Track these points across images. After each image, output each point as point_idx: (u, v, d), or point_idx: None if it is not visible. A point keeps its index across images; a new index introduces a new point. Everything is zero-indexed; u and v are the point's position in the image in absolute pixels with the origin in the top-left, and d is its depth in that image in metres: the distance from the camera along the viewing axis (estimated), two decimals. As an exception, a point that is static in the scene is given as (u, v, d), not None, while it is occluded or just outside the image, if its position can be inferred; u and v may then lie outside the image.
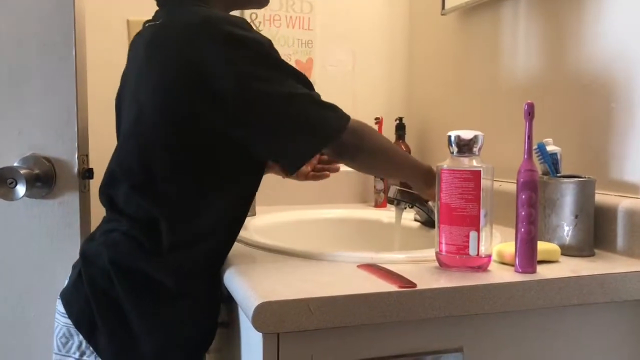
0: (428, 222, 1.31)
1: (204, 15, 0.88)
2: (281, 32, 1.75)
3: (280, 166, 1.08)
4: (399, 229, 1.26)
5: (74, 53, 1.10)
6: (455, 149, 0.89)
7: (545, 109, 1.22)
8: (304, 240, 1.28)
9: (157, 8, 1.00)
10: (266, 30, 1.73)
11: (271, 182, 1.31)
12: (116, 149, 0.97)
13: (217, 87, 0.84)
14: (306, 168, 1.22)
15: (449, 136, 0.90)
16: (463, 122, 1.56)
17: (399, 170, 1.10)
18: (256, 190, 1.00)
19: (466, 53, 1.56)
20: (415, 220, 1.36)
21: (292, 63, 1.74)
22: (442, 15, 1.61)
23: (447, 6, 1.59)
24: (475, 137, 0.88)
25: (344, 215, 1.51)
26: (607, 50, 1.08)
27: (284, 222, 1.42)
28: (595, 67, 1.11)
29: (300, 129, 0.89)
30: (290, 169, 0.92)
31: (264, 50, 0.88)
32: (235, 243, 1.00)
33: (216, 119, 0.86)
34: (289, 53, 1.75)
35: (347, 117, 0.95)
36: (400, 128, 1.75)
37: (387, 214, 1.46)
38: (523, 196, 0.88)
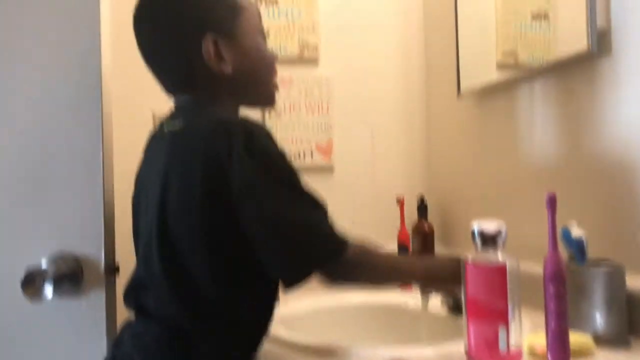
0: (455, 309, 1.29)
1: (223, 120, 0.90)
2: (301, 118, 1.79)
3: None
4: (426, 318, 1.24)
5: (101, 157, 1.14)
6: (479, 242, 0.89)
7: (567, 191, 1.22)
8: (328, 331, 1.26)
9: None
10: (287, 117, 1.77)
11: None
12: (142, 255, 0.98)
13: (232, 187, 0.86)
14: None
15: (472, 230, 0.90)
16: (484, 201, 1.56)
17: (408, 282, 1.10)
18: None
19: (484, 134, 1.58)
20: (442, 306, 1.34)
21: (313, 147, 1.77)
22: (458, 98, 1.64)
23: (462, 89, 1.62)
24: (499, 230, 0.88)
25: (368, 301, 1.49)
26: (625, 136, 1.09)
27: (306, 311, 1.40)
28: (615, 151, 1.11)
29: (299, 251, 0.87)
30: (284, 286, 0.89)
31: (278, 164, 0.89)
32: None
33: (232, 225, 0.87)
34: (309, 137, 1.78)
35: (346, 245, 0.90)
36: (423, 207, 1.75)
37: (413, 298, 1.44)
38: (551, 289, 0.86)
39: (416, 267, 1.03)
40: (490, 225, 0.88)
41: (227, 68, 0.98)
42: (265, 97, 1.08)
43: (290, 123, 1.78)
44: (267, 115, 1.77)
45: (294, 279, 0.87)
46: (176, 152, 0.93)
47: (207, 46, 0.96)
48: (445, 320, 1.29)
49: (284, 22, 1.78)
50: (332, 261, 0.89)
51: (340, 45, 1.85)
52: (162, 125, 1.02)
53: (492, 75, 1.56)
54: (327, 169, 1.80)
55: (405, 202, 1.74)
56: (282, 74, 1.77)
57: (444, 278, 1.02)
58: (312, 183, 1.77)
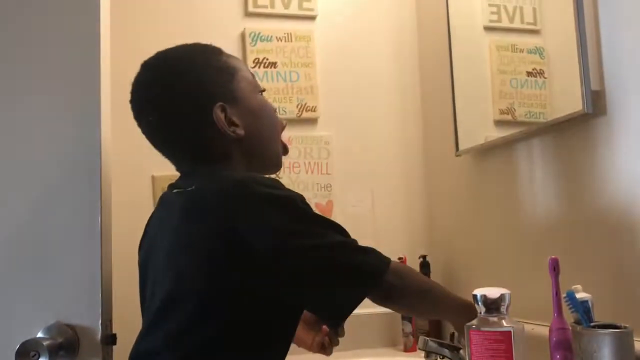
0: (459, 372, 1.26)
1: (237, 179, 0.91)
2: (300, 177, 1.80)
3: (322, 319, 1.07)
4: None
5: (99, 224, 1.13)
6: (482, 308, 0.87)
7: (569, 251, 1.20)
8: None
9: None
10: (286, 177, 1.78)
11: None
12: (149, 324, 0.96)
13: (257, 248, 0.85)
14: (314, 338, 1.16)
15: (474, 295, 0.88)
16: (487, 260, 1.55)
17: (441, 310, 1.07)
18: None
19: (484, 192, 1.58)
20: (446, 369, 1.31)
21: (312, 206, 1.77)
22: (456, 156, 1.65)
23: (461, 147, 1.63)
24: (502, 295, 0.87)
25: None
26: (624, 194, 1.08)
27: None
28: (615, 209, 1.10)
29: (343, 278, 0.89)
30: (332, 322, 0.91)
31: (297, 206, 0.90)
32: None
33: (259, 280, 0.86)
34: (309, 197, 1.78)
35: (388, 260, 0.94)
36: (425, 266, 1.74)
37: (417, 362, 1.41)
38: (557, 356, 0.84)
39: (450, 293, 1.06)
40: (492, 291, 0.87)
41: (240, 131, 0.99)
42: (275, 158, 1.09)
43: (290, 183, 1.79)
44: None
45: (345, 311, 0.89)
46: (189, 211, 0.92)
47: (218, 116, 0.97)
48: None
49: (282, 85, 1.81)
50: (384, 273, 0.91)
51: (339, 106, 1.87)
52: (171, 187, 1.02)
53: (490, 132, 1.57)
54: (327, 229, 1.80)
55: (408, 262, 1.72)
56: (282, 134, 1.80)
57: (468, 313, 0.97)
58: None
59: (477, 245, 1.61)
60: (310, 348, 1.16)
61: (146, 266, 1.04)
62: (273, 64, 1.81)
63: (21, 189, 1.16)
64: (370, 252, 0.93)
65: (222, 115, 0.97)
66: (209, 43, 1.05)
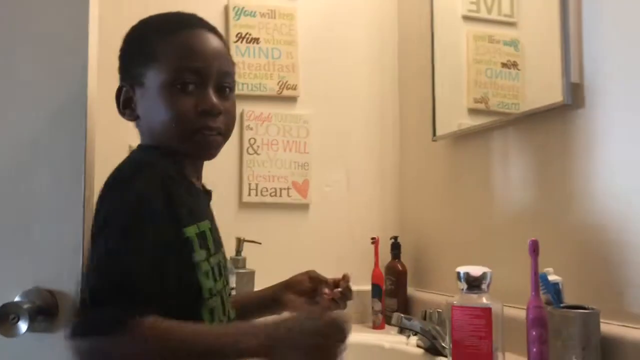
0: (431, 349, 1.30)
1: (124, 164, 0.95)
2: (278, 155, 1.81)
3: None
4: (402, 357, 1.25)
5: (83, 194, 1.12)
6: (464, 285, 0.91)
7: (540, 238, 1.25)
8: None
9: None
10: (264, 154, 1.79)
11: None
12: None
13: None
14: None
15: (458, 272, 0.92)
16: (457, 244, 1.59)
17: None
18: None
19: (458, 178, 1.62)
20: (418, 346, 1.35)
21: (289, 184, 1.79)
22: (433, 141, 1.69)
23: (438, 133, 1.67)
24: (484, 274, 0.91)
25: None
26: (599, 185, 1.14)
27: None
28: (589, 199, 1.16)
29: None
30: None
31: (129, 207, 0.87)
32: None
33: None
34: (286, 175, 1.80)
35: (135, 313, 0.78)
36: (396, 247, 1.78)
37: (388, 339, 1.45)
38: (534, 333, 0.89)
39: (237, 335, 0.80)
40: (475, 269, 0.91)
41: (131, 117, 1.00)
42: (179, 147, 0.97)
43: (268, 160, 1.79)
44: (244, 151, 1.78)
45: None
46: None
47: (116, 95, 1.00)
48: (422, 358, 1.31)
49: (264, 61, 1.81)
50: (125, 321, 0.77)
51: (319, 85, 1.88)
52: None
53: (464, 119, 1.61)
54: (302, 207, 1.82)
55: (380, 243, 1.76)
56: (261, 110, 1.80)
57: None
58: (288, 220, 1.79)
59: (449, 230, 1.65)
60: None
61: None
62: (255, 40, 1.80)
63: (3, 153, 1.14)
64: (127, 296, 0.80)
65: (118, 95, 1.00)
66: (191, 13, 1.02)
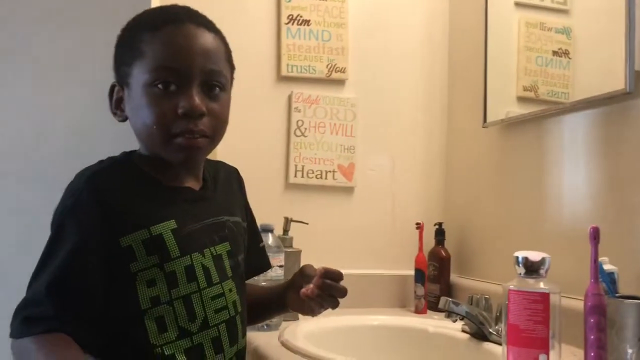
0: (477, 334, 1.31)
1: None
2: (325, 138, 1.81)
3: None
4: (446, 342, 1.25)
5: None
6: (522, 270, 0.91)
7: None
8: (350, 351, 1.26)
9: None
10: (311, 136, 1.79)
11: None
12: None
13: None
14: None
15: (516, 257, 0.92)
16: (502, 232, 1.58)
17: None
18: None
19: (509, 165, 1.60)
20: (463, 331, 1.35)
21: (335, 167, 1.79)
22: (483, 127, 1.68)
23: (489, 119, 1.65)
24: (543, 259, 0.90)
25: (388, 323, 1.50)
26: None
27: (326, 330, 1.40)
28: (648, 188, 1.14)
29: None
30: None
31: (65, 222, 0.86)
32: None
33: None
34: (332, 157, 1.80)
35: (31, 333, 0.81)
36: (440, 233, 1.77)
37: (433, 323, 1.46)
38: (592, 320, 0.88)
39: None
40: (534, 254, 0.91)
41: (120, 117, 0.96)
42: (159, 153, 0.92)
43: (315, 142, 1.80)
44: (292, 132, 1.79)
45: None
46: None
47: (109, 94, 0.96)
48: (467, 344, 1.31)
49: (314, 43, 1.81)
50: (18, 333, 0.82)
51: (368, 69, 1.88)
52: None
53: (512, 107, 1.60)
54: (348, 190, 1.82)
55: (424, 228, 1.75)
56: (310, 92, 1.81)
57: None
58: (333, 202, 1.80)
59: (496, 217, 1.64)
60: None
61: None
62: (306, 22, 1.81)
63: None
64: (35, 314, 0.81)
65: (110, 94, 0.95)
66: (184, 6, 0.95)
